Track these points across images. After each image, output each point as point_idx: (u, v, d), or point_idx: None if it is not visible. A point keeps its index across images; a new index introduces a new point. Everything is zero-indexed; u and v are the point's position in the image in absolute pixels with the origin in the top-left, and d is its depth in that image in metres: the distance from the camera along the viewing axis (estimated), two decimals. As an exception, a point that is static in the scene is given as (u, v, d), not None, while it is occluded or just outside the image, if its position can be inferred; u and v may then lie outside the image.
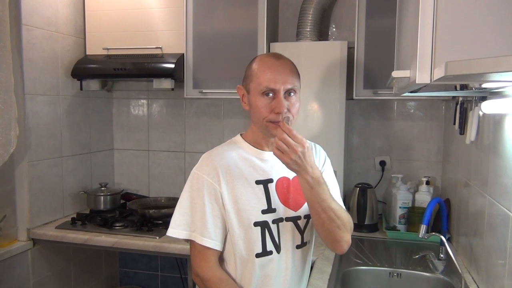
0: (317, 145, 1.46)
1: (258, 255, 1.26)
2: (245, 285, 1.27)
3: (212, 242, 1.24)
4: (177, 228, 1.26)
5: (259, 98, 1.24)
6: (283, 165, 1.29)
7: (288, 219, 1.30)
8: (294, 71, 1.28)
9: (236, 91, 1.36)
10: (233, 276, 1.28)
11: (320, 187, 1.19)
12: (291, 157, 1.13)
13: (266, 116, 1.23)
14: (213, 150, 1.33)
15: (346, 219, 1.28)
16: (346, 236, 1.28)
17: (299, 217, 1.32)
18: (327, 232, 1.25)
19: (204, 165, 1.28)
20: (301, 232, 1.33)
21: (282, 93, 1.22)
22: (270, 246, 1.27)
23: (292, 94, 1.25)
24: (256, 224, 1.25)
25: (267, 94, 1.23)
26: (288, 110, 1.23)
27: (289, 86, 1.23)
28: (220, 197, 1.25)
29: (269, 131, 1.26)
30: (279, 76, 1.22)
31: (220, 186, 1.25)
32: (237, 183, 1.26)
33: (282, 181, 1.32)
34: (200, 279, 1.26)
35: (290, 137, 1.13)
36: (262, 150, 1.33)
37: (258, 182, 1.28)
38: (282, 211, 1.29)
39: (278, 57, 1.29)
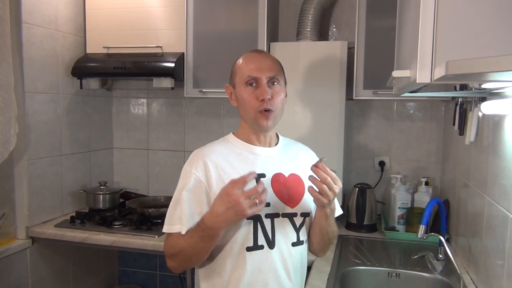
0: (309, 148, 1.48)
1: (248, 249, 1.26)
2: (236, 280, 1.26)
3: (185, 229, 1.25)
4: (170, 224, 1.28)
5: (243, 89, 1.29)
6: (278, 161, 1.34)
7: (284, 215, 1.30)
8: (276, 63, 1.33)
9: None
10: (222, 272, 1.27)
11: (332, 215, 1.32)
12: (330, 198, 1.20)
13: (253, 105, 1.27)
14: (204, 147, 1.35)
15: (336, 234, 1.43)
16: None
17: (295, 214, 1.32)
18: (322, 246, 1.42)
19: (193, 161, 1.30)
20: (297, 229, 1.32)
21: (264, 81, 1.27)
22: (261, 241, 1.26)
23: (275, 83, 1.29)
24: (248, 217, 1.24)
25: (251, 84, 1.28)
26: (272, 98, 1.27)
27: (271, 74, 1.28)
28: (206, 192, 1.26)
29: (257, 122, 1.28)
30: (260, 66, 1.28)
31: (210, 181, 1.26)
32: (228, 177, 1.25)
33: (278, 177, 1.31)
34: (167, 257, 1.29)
35: (332, 179, 1.18)
36: (254, 145, 1.34)
37: None
38: (278, 206, 1.29)
39: (260, 51, 1.39)
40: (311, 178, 1.19)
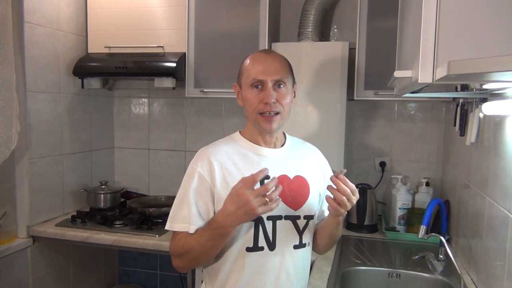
0: (317, 149, 1.48)
1: (248, 249, 1.25)
2: (234, 280, 1.26)
3: (195, 228, 1.25)
4: (174, 222, 1.28)
5: (249, 90, 1.28)
6: (283, 163, 1.34)
7: (287, 217, 1.29)
8: (284, 64, 1.32)
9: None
10: (221, 271, 1.28)
11: (342, 221, 1.33)
12: (348, 209, 1.22)
13: (255, 107, 1.27)
14: (210, 145, 1.35)
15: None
16: None
17: (298, 217, 1.31)
18: (328, 247, 1.46)
19: (199, 159, 1.30)
20: (300, 232, 1.32)
21: (270, 84, 1.26)
22: (262, 242, 1.26)
23: (281, 86, 1.28)
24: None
25: (256, 86, 1.27)
26: (278, 101, 1.26)
27: (277, 78, 1.27)
28: (210, 190, 1.26)
29: (259, 124, 1.28)
30: (267, 68, 1.27)
31: (213, 180, 1.25)
32: (232, 177, 1.26)
33: (282, 179, 1.30)
34: (174, 256, 1.29)
35: (351, 191, 1.19)
36: (259, 146, 1.34)
37: None
38: (280, 208, 1.27)
39: (268, 51, 1.36)
40: (329, 188, 1.20)
